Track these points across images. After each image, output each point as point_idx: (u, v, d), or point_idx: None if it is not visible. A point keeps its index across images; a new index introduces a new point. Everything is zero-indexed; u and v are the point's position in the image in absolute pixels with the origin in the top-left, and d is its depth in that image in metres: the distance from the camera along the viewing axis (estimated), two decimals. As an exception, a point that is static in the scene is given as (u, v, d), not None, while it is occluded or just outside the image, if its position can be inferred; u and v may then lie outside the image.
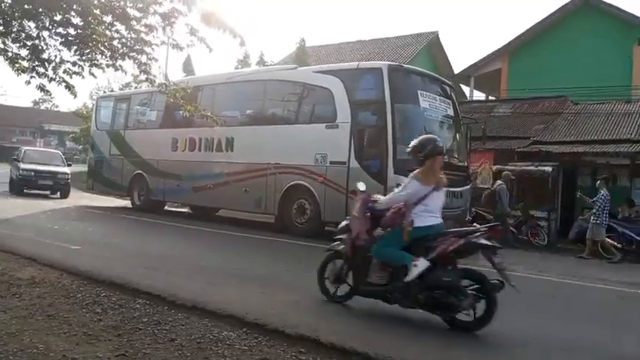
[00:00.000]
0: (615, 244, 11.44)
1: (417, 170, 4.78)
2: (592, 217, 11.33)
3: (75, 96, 6.35)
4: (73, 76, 6.17)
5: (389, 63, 10.84)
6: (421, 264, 4.40)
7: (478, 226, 4.94)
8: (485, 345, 4.27)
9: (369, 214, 4.91)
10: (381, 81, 10.01)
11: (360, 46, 27.38)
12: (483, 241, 4.44)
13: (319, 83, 11.17)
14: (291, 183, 11.01)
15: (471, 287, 4.47)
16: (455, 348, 4.11)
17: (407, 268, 4.46)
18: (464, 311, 4.36)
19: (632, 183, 13.66)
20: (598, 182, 11.79)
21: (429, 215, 4.65)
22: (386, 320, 4.77)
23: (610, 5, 20.47)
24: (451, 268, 4.54)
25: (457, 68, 25.42)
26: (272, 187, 11.36)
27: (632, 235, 11.49)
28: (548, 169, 13.15)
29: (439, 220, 4.72)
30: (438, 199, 4.75)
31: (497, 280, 4.41)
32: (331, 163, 10.46)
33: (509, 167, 13.61)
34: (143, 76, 6.46)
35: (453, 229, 4.80)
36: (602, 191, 11.34)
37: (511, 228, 12.71)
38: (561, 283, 7.93)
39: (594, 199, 11.46)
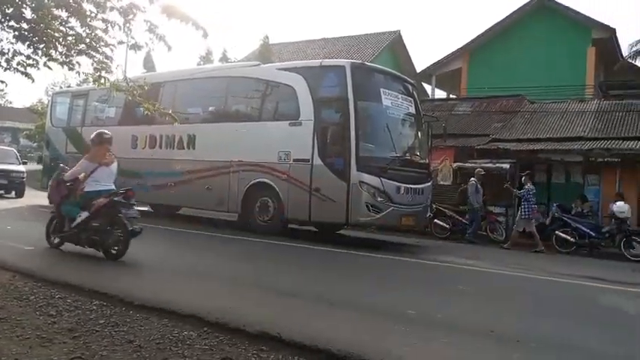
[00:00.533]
0: (568, 237, 11.90)
1: (88, 153, 7.16)
2: (519, 210, 12.11)
3: (33, 80, 6.11)
4: (28, 67, 5.95)
5: (352, 61, 10.92)
6: (82, 215, 6.63)
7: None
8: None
9: (68, 184, 6.94)
10: (344, 79, 10.06)
11: (324, 44, 27.46)
12: (121, 199, 6.61)
13: (282, 80, 11.14)
14: (255, 181, 10.94)
15: (118, 231, 6.54)
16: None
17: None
18: (111, 247, 6.58)
19: (585, 180, 14.19)
20: (523, 177, 12.34)
21: (96, 184, 6.79)
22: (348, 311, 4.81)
23: (565, 7, 21.15)
24: (104, 218, 6.57)
25: (419, 67, 25.82)
26: (235, 185, 11.26)
27: (585, 229, 11.94)
28: (506, 165, 13.51)
29: (108, 187, 6.85)
30: (105, 172, 6.87)
31: (136, 228, 6.50)
32: (295, 160, 10.44)
33: (469, 164, 13.93)
34: (98, 74, 6.26)
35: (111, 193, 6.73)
36: (527, 185, 12.01)
37: (466, 222, 13.04)
38: (512, 276, 8.20)
39: (521, 191, 12.19)
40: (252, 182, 10.98)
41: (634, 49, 24.14)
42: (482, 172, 13.14)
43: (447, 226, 13.31)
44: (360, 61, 11.01)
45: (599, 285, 7.70)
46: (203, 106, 12.78)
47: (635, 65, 23.29)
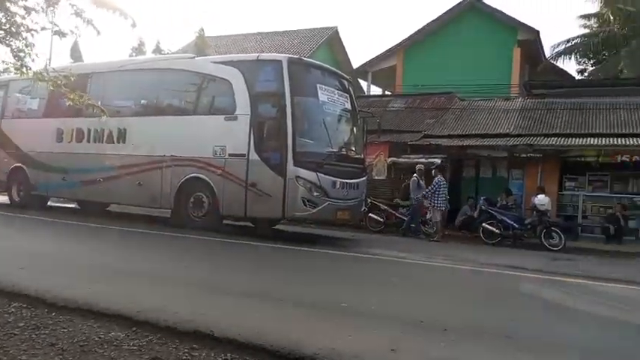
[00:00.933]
0: (494, 229, 12.50)
1: None
2: (427, 202, 12.69)
3: None
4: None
5: (289, 56, 10.89)
6: None
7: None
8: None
9: None
10: (280, 73, 10.03)
11: (261, 38, 27.21)
12: None
13: (218, 74, 10.95)
14: (188, 176, 10.71)
15: None
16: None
17: None
18: None
19: (509, 174, 14.95)
20: (433, 171, 12.94)
21: None
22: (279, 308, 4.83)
23: (493, 9, 22.05)
24: None
25: (356, 64, 26.13)
26: (168, 181, 10.97)
27: (509, 221, 12.58)
28: (437, 161, 13.97)
29: None
30: None
31: None
32: (230, 155, 10.31)
33: (403, 159, 14.32)
34: (20, 63, 5.90)
35: None
36: (437, 178, 12.57)
37: (402, 216, 13.43)
38: (442, 267, 8.54)
39: (427, 190, 12.72)
40: (185, 177, 10.74)
41: (556, 50, 25.68)
42: (423, 168, 13.55)
43: (382, 220, 13.63)
44: (297, 56, 11.01)
45: (521, 274, 8.14)
46: (134, 99, 12.34)
47: (557, 66, 24.78)
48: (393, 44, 23.68)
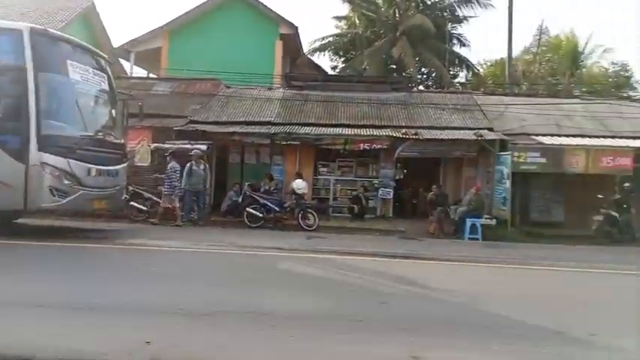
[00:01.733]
0: (257, 213, 13.14)
1: None
2: (164, 188, 12.83)
3: None
4: None
5: (32, 25, 9.49)
6: None
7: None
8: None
9: None
10: (21, 45, 8.79)
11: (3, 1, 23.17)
12: None
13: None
14: None
15: None
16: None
17: None
18: None
19: (271, 160, 15.83)
20: (168, 157, 13.36)
21: None
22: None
23: (257, 1, 22.69)
24: None
25: (118, 42, 24.28)
26: None
27: (272, 205, 13.37)
28: (203, 147, 13.99)
29: None
30: None
31: None
32: (-42, 137, 8.64)
33: (168, 145, 13.96)
34: None
35: None
36: (171, 164, 12.87)
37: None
38: (206, 253, 8.68)
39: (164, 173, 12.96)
40: None
41: (312, 46, 28.10)
42: (201, 154, 13.38)
43: (145, 209, 13.10)
44: (43, 27, 9.73)
45: (279, 254, 8.78)
46: None
47: (314, 61, 27.10)
48: (160, 25, 22.73)
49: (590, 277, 7.95)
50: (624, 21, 43.68)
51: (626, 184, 13.29)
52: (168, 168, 12.78)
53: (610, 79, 27.72)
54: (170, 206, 12.71)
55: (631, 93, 25.39)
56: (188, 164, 13.05)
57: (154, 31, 22.70)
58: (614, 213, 12.74)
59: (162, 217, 12.64)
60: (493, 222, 13.29)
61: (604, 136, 14.93)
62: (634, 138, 14.68)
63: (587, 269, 8.43)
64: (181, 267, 7.32)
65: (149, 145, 14.62)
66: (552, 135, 14.99)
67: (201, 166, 13.24)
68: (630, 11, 47.97)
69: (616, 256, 10.32)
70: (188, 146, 13.89)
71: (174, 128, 14.81)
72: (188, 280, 6.29)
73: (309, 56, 27.11)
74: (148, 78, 22.38)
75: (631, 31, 46.65)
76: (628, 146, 13.75)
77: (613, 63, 28.35)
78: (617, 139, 14.67)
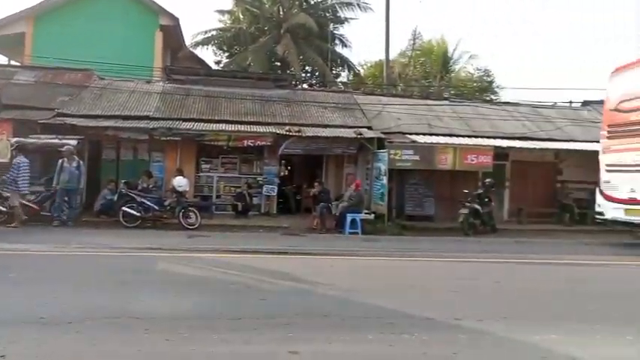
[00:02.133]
0: (134, 212, 12.47)
1: None
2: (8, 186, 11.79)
3: None
4: None
5: None
6: None
7: None
8: None
9: None
10: None
11: None
12: None
13: None
14: None
15: None
16: None
17: None
18: None
19: (150, 156, 15.14)
20: (14, 151, 12.35)
21: None
22: None
23: (133, -11, 21.56)
24: None
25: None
26: None
27: (150, 204, 12.77)
28: (74, 142, 12.96)
29: None
30: None
31: None
32: None
33: (31, 140, 12.75)
34: None
35: None
36: (17, 159, 11.92)
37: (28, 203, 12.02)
38: (66, 256, 8.09)
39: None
40: None
41: (195, 39, 27.32)
42: (73, 150, 12.34)
43: (4, 209, 11.86)
44: None
45: (158, 254, 8.44)
46: None
47: (197, 54, 26.35)
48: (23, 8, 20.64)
49: (455, 266, 8.65)
50: (489, 30, 48.03)
51: (487, 180, 14.63)
52: (15, 163, 11.68)
53: (475, 83, 30.27)
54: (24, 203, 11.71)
55: (492, 96, 28.01)
56: (60, 161, 12.04)
57: (16, 15, 20.59)
58: (477, 206, 13.93)
59: (19, 217, 11.53)
60: (372, 216, 13.89)
61: (469, 136, 16.26)
62: (494, 137, 16.20)
63: (454, 259, 9.17)
64: (46, 272, 6.75)
65: (8, 140, 13.23)
66: (424, 134, 16.01)
67: (74, 163, 12.26)
68: (494, 21, 52.89)
69: (479, 246, 11.35)
70: (56, 141, 12.81)
71: (39, 121, 13.54)
72: (52, 286, 5.82)
73: (191, 49, 26.30)
74: (8, 65, 20.22)
75: (495, 40, 51.42)
76: (489, 145, 15.13)
77: (477, 69, 30.99)
78: (479, 139, 16.07)
